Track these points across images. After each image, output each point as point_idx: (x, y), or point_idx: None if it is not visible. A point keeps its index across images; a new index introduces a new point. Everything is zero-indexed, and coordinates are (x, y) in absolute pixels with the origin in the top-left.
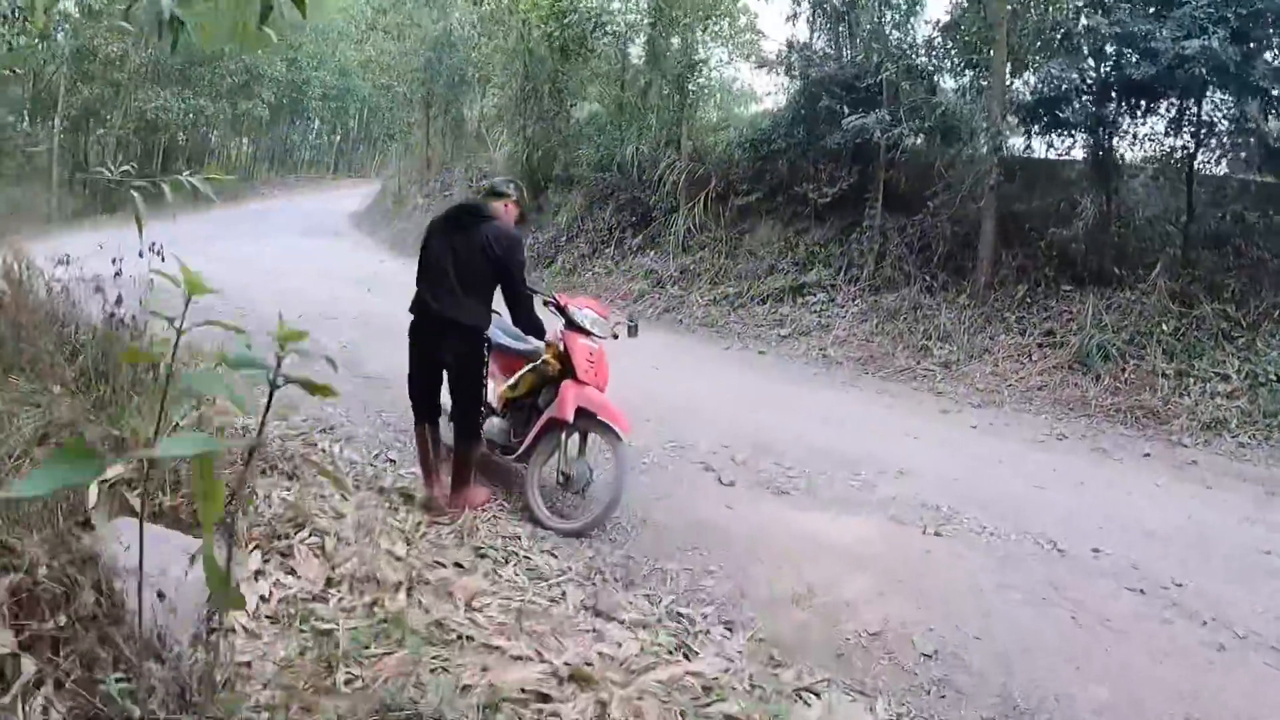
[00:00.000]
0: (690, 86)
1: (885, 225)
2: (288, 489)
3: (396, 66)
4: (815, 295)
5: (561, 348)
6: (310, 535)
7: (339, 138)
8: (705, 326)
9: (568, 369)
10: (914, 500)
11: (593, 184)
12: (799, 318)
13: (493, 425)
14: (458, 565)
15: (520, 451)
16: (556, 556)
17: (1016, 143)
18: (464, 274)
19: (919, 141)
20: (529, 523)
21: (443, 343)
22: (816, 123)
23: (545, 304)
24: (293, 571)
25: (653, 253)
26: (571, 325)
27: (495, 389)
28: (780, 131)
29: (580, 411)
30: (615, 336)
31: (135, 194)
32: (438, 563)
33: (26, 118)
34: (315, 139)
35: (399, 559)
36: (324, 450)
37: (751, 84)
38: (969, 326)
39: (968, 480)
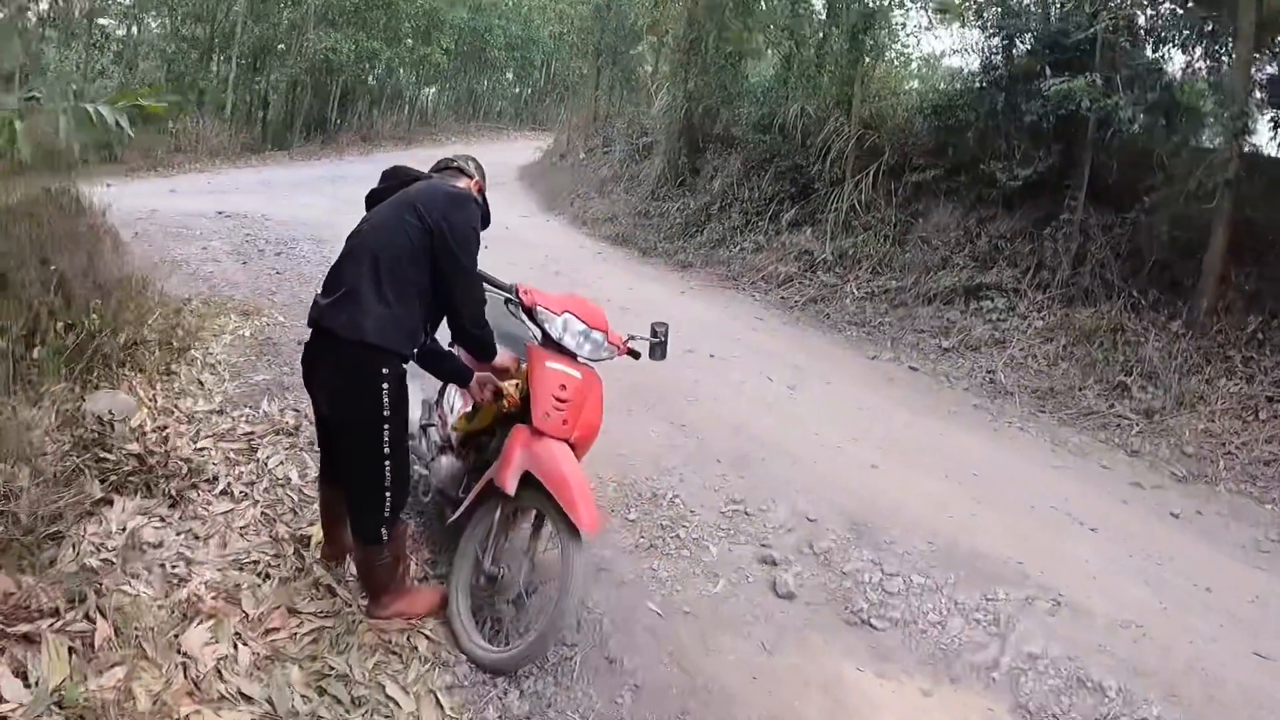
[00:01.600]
0: (867, 41)
1: (1088, 221)
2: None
3: (570, 14)
4: (993, 300)
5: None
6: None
7: (526, 90)
8: (855, 325)
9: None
10: (1067, 670)
11: (752, 147)
12: (969, 327)
13: (440, 467)
14: (246, 699)
15: (453, 517)
16: (445, 706)
17: (1262, 133)
18: (377, 262)
19: (1137, 120)
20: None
21: (316, 375)
22: (1013, 88)
23: (508, 303)
24: None
25: (809, 230)
26: (545, 339)
27: (458, 411)
28: (968, 98)
29: (527, 480)
30: (634, 355)
31: None
32: (222, 696)
33: (210, 55)
34: (502, 89)
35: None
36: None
37: (937, 41)
38: (1181, 364)
39: (1158, 626)
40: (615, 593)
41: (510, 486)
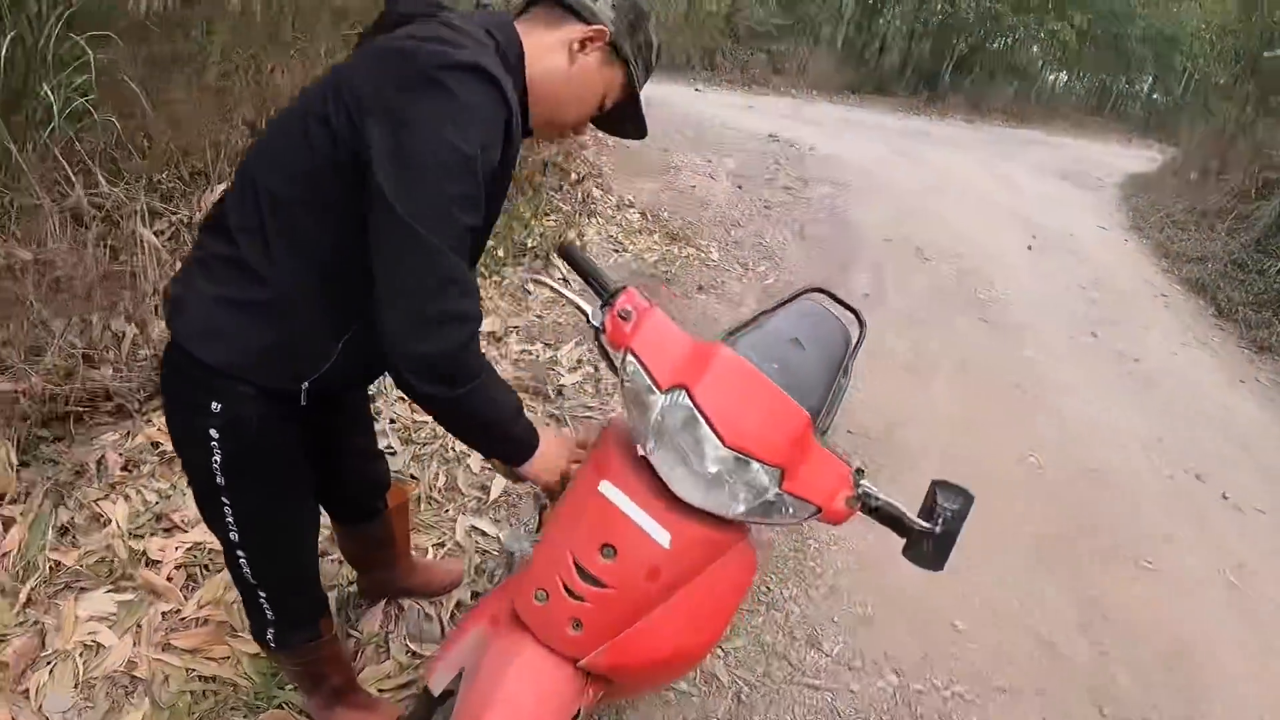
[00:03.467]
0: None
1: None
2: None
3: (1210, 9)
4: None
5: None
6: None
7: (1163, 95)
8: None
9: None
10: None
11: None
12: None
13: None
14: None
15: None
16: None
17: None
18: (257, 200)
19: None
20: None
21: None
22: None
23: (536, 282)
24: None
25: None
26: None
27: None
28: None
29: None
30: (901, 533)
31: None
32: None
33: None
34: (1136, 91)
35: None
36: None
37: None
38: None
39: None
40: None
41: (435, 682)
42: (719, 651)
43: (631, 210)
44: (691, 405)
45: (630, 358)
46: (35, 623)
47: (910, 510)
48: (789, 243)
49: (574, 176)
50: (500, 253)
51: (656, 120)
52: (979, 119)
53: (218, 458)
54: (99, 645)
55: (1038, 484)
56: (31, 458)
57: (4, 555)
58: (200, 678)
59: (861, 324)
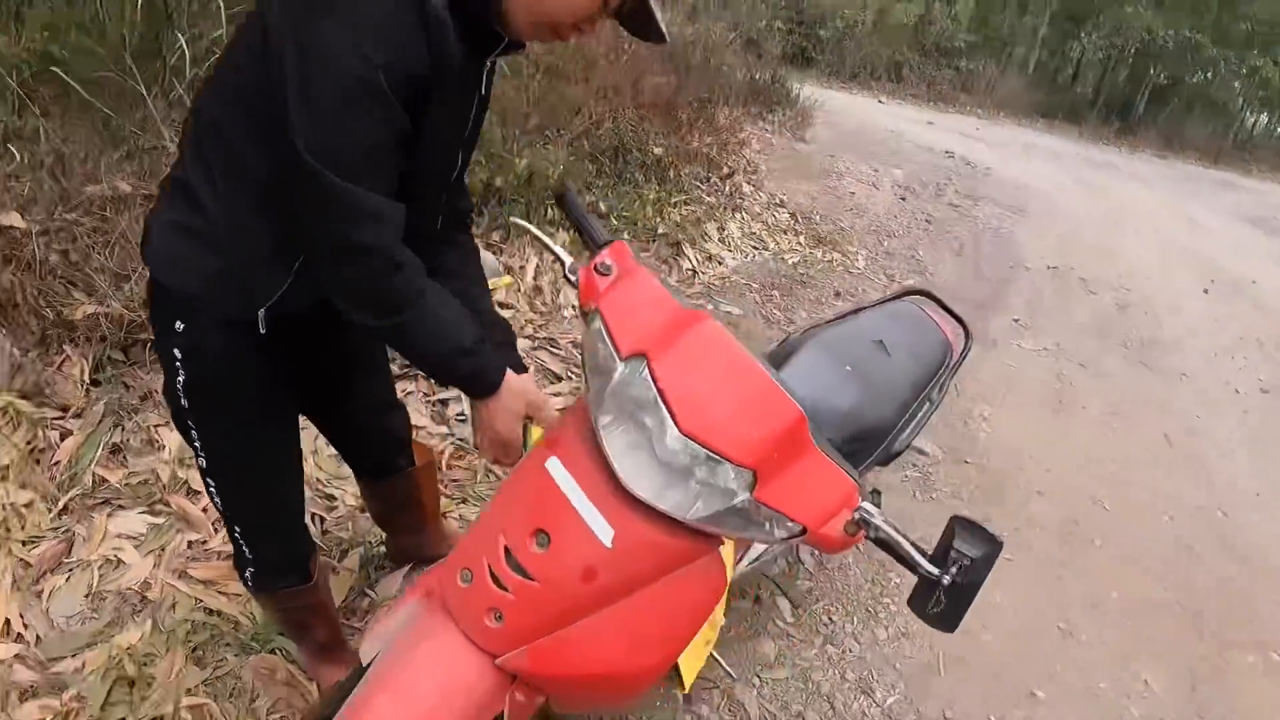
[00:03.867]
0: None
1: None
2: None
3: None
4: None
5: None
6: None
7: None
8: None
9: None
10: None
11: None
12: None
13: None
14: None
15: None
16: None
17: None
18: (199, 122)
19: None
20: None
21: None
22: None
23: (516, 225)
24: None
25: None
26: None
27: None
28: None
29: None
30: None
31: None
32: None
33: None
34: None
35: None
36: None
37: None
38: None
39: None
40: None
41: (364, 652)
42: (753, 678)
43: (781, 210)
44: (650, 378)
45: (597, 317)
46: (67, 530)
47: (925, 549)
48: (944, 259)
49: (725, 170)
50: (626, 236)
51: (832, 127)
52: (1171, 155)
53: (181, 378)
54: (120, 561)
55: (1167, 550)
56: (104, 378)
57: (55, 464)
58: (206, 610)
59: (968, 336)
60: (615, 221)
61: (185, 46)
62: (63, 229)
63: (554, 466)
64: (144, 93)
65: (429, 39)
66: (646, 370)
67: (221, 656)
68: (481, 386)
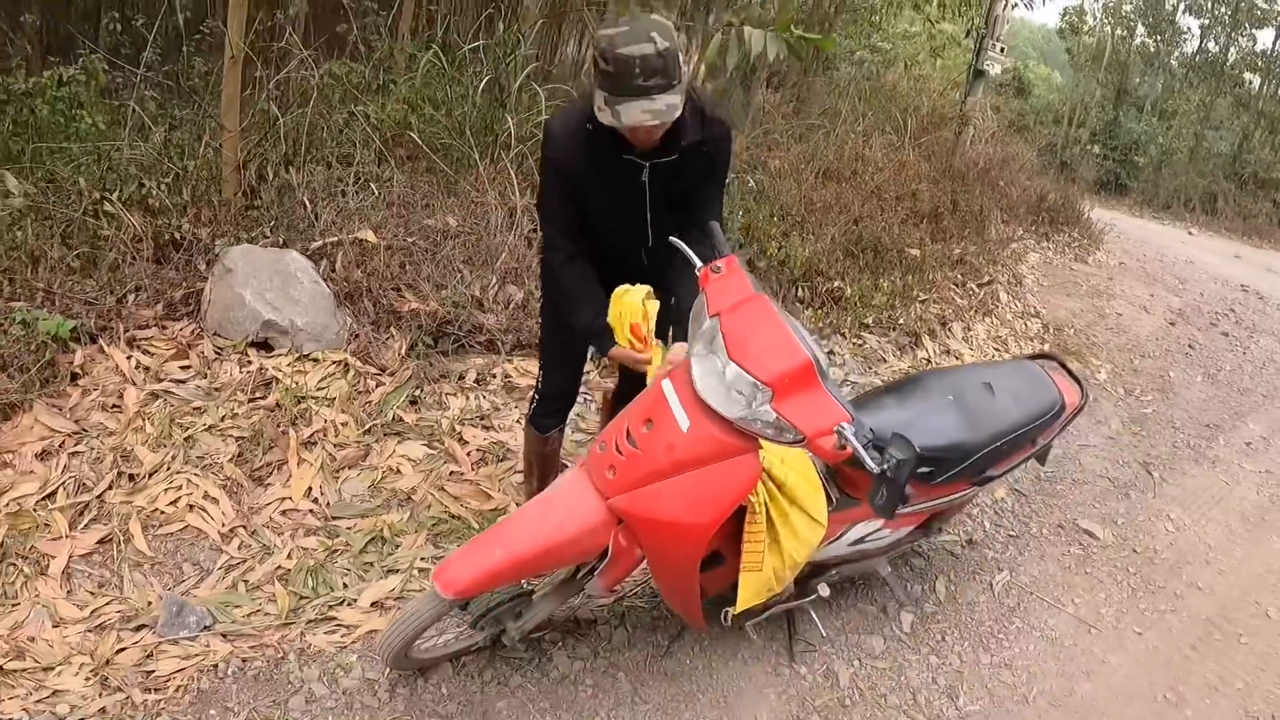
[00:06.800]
0: None
1: None
2: None
3: None
4: None
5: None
6: None
7: None
8: None
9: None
10: None
11: None
12: None
13: None
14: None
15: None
16: None
17: None
18: None
19: None
20: None
21: None
22: None
23: (669, 242)
24: None
25: None
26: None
27: None
28: None
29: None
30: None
31: None
32: None
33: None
34: None
35: None
36: None
37: None
38: None
39: None
40: None
41: None
42: (854, 659)
43: (1034, 319)
44: (718, 326)
45: (703, 295)
46: (367, 446)
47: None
48: (1194, 383)
49: (985, 278)
50: (868, 320)
51: (1124, 253)
52: None
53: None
54: (399, 471)
55: None
56: (416, 354)
57: (369, 402)
58: (449, 514)
59: (1084, 394)
60: (859, 309)
61: (513, 127)
62: (403, 247)
63: (665, 385)
64: (477, 159)
65: (585, 146)
66: (719, 324)
67: (453, 544)
68: (598, 348)
